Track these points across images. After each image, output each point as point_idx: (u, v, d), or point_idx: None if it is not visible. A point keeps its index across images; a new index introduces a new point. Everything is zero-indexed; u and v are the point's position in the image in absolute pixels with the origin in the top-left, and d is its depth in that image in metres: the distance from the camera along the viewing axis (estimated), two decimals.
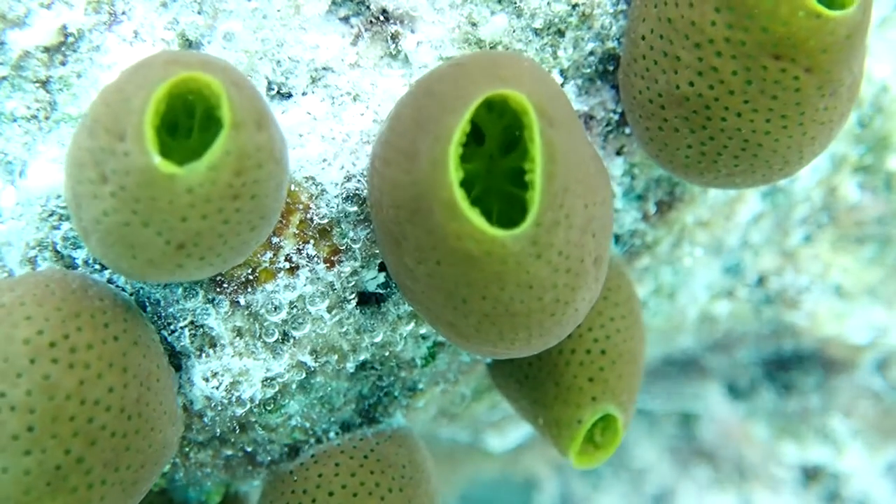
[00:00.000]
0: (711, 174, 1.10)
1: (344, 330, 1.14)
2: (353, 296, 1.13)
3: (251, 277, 1.07)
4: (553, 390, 1.19)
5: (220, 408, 1.14)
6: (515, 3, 1.12)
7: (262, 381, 1.13)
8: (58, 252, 1.08)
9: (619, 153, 1.26)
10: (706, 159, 1.08)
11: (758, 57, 0.98)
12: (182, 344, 1.10)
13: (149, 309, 1.09)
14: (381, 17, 1.12)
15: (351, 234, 1.09)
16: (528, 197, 0.88)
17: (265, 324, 1.10)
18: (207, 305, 1.08)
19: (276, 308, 1.09)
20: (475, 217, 0.86)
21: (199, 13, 1.08)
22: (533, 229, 0.88)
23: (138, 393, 0.97)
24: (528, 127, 0.87)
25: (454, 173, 0.85)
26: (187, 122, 0.93)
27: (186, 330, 1.09)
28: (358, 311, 1.14)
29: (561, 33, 1.15)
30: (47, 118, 1.08)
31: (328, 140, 1.08)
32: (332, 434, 1.27)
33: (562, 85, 1.18)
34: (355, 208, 1.08)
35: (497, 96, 0.87)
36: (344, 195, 1.07)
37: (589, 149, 1.02)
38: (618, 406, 1.17)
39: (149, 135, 0.80)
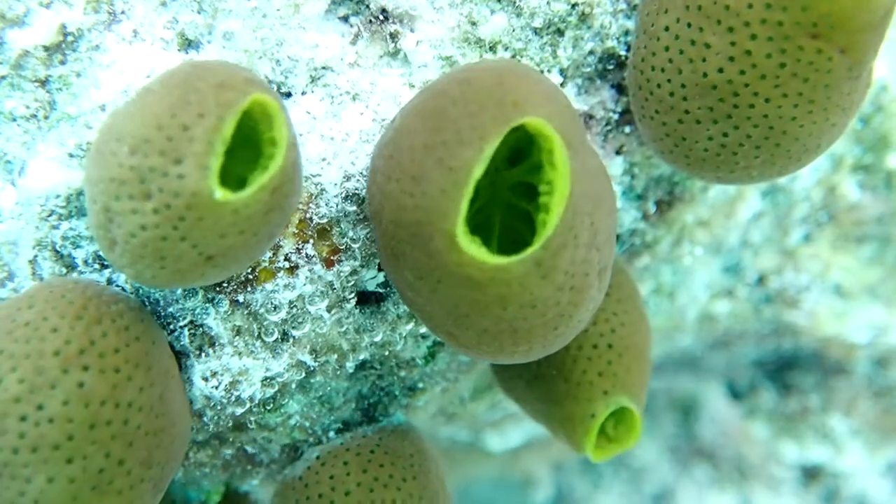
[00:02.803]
0: (728, 167, 1.10)
1: (343, 329, 1.14)
2: (353, 295, 1.12)
3: (250, 277, 1.07)
4: (563, 387, 1.19)
5: (219, 407, 1.14)
6: (515, 2, 1.12)
7: (262, 381, 1.13)
8: (57, 251, 1.08)
9: (618, 153, 1.26)
10: (726, 151, 1.07)
11: (795, 37, 0.98)
12: (181, 343, 1.10)
13: (148, 308, 1.09)
14: (381, 17, 1.12)
15: (350, 233, 1.09)
16: (539, 219, 0.88)
17: (265, 323, 1.09)
18: (207, 305, 1.08)
19: (275, 307, 1.08)
20: (476, 250, 0.85)
21: (198, 12, 1.08)
22: (539, 252, 0.87)
23: (161, 391, 0.99)
24: (550, 152, 0.87)
25: (463, 207, 0.85)
26: None
27: (186, 329, 1.09)
28: (357, 310, 1.14)
29: (560, 32, 1.15)
30: (46, 117, 1.08)
31: (327, 139, 1.08)
32: (331, 433, 1.27)
33: (561, 84, 1.18)
34: (355, 208, 1.08)
35: (517, 126, 0.87)
36: (343, 195, 1.07)
37: (594, 160, 1.02)
38: (630, 398, 1.18)
39: (215, 166, 0.82)
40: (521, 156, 1.02)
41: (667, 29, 1.06)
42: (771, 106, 1.02)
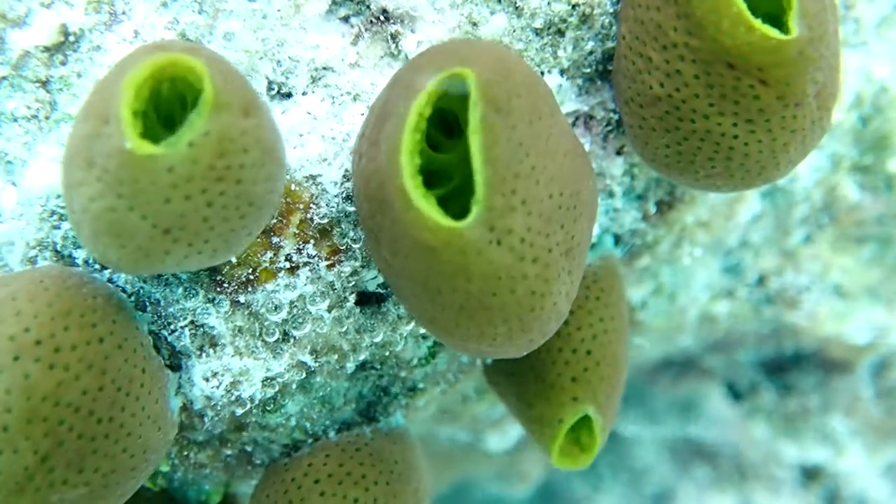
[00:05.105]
0: (691, 175, 1.11)
1: (344, 329, 1.14)
2: (353, 295, 1.13)
3: (251, 277, 1.07)
4: (537, 387, 1.19)
5: (220, 408, 1.14)
6: (515, 2, 1.12)
7: (263, 381, 1.13)
8: (58, 252, 1.08)
9: (619, 153, 1.26)
10: (683, 159, 1.08)
11: (714, 64, 0.99)
12: (182, 343, 1.10)
13: (149, 309, 1.09)
14: (382, 17, 1.12)
15: (351, 233, 1.09)
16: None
17: (265, 323, 1.10)
18: (208, 305, 1.08)
19: (276, 308, 1.09)
20: (426, 206, 0.84)
21: (199, 13, 1.08)
22: (486, 214, 0.86)
23: (114, 397, 0.96)
24: (471, 108, 0.85)
25: (406, 158, 0.84)
26: (184, 116, 0.93)
27: (187, 329, 1.09)
28: (358, 310, 1.14)
29: (561, 33, 1.15)
30: (47, 118, 1.08)
31: (328, 140, 1.08)
32: (331, 433, 1.27)
33: (562, 85, 1.18)
34: (355, 208, 1.08)
35: (453, 75, 0.86)
36: (344, 195, 1.07)
37: (565, 142, 1.00)
38: (597, 408, 1.17)
39: (125, 115, 0.80)
40: None
41: (624, 38, 1.08)
42: (711, 123, 1.03)
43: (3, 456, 0.89)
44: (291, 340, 1.12)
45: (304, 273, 1.08)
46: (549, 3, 1.13)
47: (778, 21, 0.99)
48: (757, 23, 0.95)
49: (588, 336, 1.20)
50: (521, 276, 0.92)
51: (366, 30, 1.12)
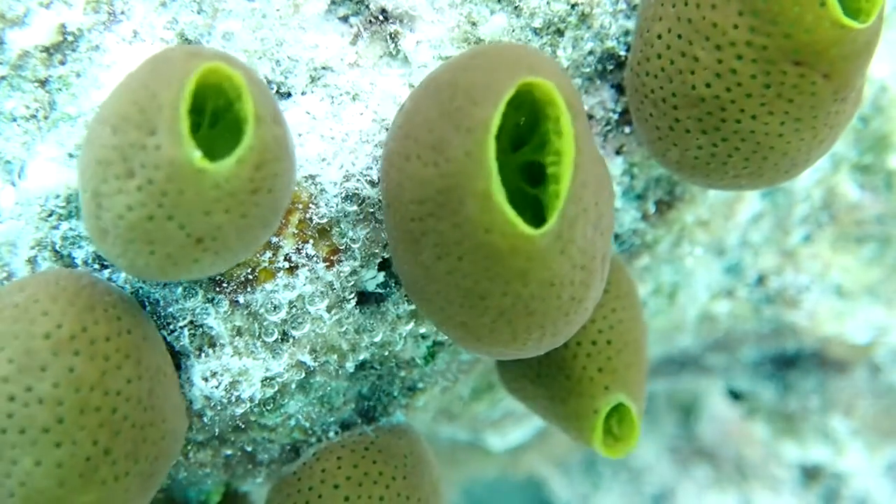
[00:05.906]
0: (718, 175, 1.10)
1: (343, 329, 1.14)
2: (353, 295, 1.13)
3: (250, 277, 1.07)
4: (566, 384, 1.20)
5: (219, 407, 1.14)
6: (515, 2, 1.12)
7: (262, 381, 1.13)
8: (57, 252, 1.08)
9: (618, 153, 1.26)
10: (716, 161, 1.08)
11: (778, 62, 0.98)
12: (181, 344, 1.10)
13: (148, 309, 1.09)
14: (381, 17, 1.12)
15: (350, 233, 1.09)
16: (551, 191, 0.88)
17: (264, 323, 1.10)
18: (207, 305, 1.08)
19: (275, 308, 1.09)
20: (509, 210, 0.85)
21: (198, 13, 1.08)
22: (559, 223, 0.88)
23: (150, 385, 0.98)
24: (556, 118, 0.87)
25: (493, 164, 0.85)
26: (193, 118, 0.93)
27: (186, 330, 1.09)
28: (357, 310, 1.14)
29: (560, 33, 1.15)
30: (46, 118, 1.08)
31: (327, 139, 1.08)
32: (331, 433, 1.27)
33: None
34: (354, 208, 1.08)
35: (523, 86, 0.87)
36: (343, 195, 1.07)
37: (594, 146, 1.02)
38: (628, 395, 1.19)
39: (184, 130, 0.81)
40: (523, 143, 1.02)
41: (660, 37, 1.06)
42: (758, 122, 1.02)
43: (62, 448, 0.90)
44: (290, 340, 1.12)
45: (302, 273, 1.08)
46: (548, 3, 1.13)
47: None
48: (842, 15, 0.95)
49: (605, 327, 1.21)
50: (569, 282, 0.93)
51: (365, 29, 1.12)
